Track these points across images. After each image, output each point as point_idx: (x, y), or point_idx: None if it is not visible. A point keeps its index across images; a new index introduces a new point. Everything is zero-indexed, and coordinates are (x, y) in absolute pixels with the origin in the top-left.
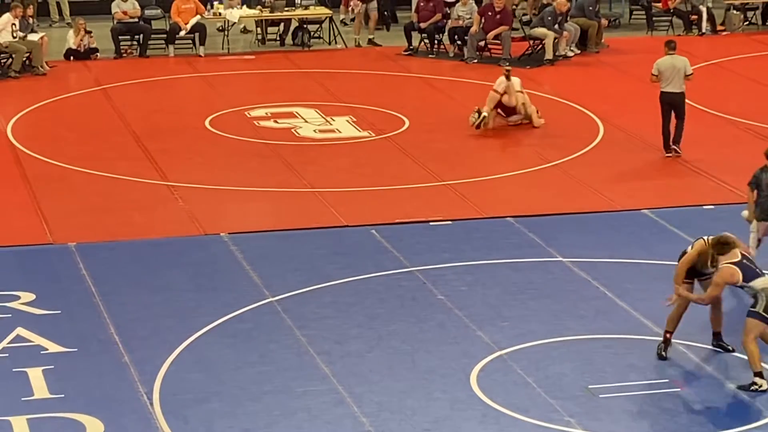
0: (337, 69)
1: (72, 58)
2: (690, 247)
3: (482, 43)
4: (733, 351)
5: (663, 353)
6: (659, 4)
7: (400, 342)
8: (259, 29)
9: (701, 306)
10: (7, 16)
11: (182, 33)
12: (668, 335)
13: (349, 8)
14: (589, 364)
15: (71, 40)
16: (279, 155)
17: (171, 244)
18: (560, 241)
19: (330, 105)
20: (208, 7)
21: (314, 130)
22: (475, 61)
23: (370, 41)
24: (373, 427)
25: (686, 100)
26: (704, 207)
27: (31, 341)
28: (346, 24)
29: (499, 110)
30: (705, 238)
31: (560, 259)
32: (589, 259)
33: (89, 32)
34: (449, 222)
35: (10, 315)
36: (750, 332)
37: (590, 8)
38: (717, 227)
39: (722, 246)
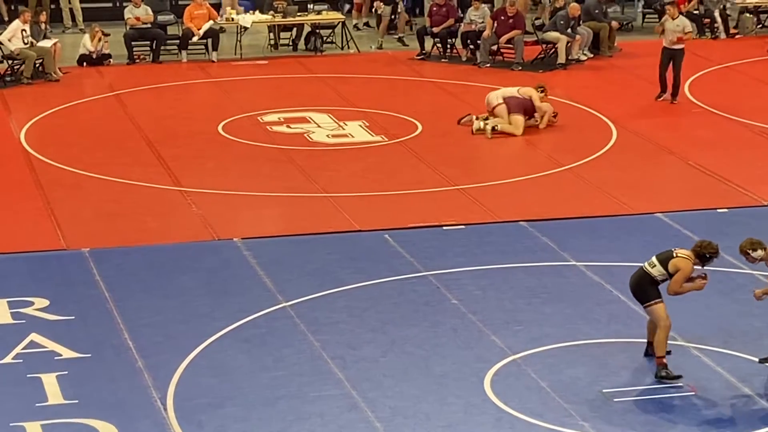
0: (350, 74)
1: (85, 64)
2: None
3: (495, 48)
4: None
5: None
6: None
7: (413, 347)
8: (271, 34)
9: (713, 309)
10: (16, 22)
11: (195, 38)
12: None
13: (365, 11)
14: (604, 368)
15: (87, 44)
16: (292, 160)
17: (184, 249)
18: (574, 245)
19: (343, 110)
20: (221, 12)
21: (327, 135)
22: (488, 65)
23: (399, 39)
24: None
25: (696, 101)
26: (718, 210)
27: (45, 347)
28: (358, 29)
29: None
30: (675, 250)
31: (574, 263)
32: (603, 263)
33: (107, 34)
34: (462, 226)
35: (24, 321)
36: None
37: (596, 11)
38: (731, 230)
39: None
